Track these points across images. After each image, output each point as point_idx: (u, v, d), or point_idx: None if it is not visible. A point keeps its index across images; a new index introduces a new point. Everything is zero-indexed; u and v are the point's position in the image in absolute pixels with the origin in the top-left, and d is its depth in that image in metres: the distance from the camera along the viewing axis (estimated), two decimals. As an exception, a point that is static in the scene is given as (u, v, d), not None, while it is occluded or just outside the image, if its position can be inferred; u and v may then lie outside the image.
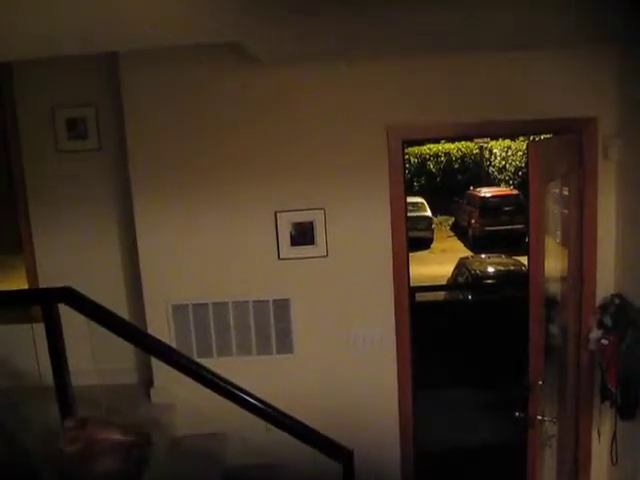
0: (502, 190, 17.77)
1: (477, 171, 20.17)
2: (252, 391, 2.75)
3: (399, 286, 3.53)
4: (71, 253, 3.70)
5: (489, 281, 9.85)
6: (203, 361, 2.91)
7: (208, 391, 2.72)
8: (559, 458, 3.31)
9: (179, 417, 3.54)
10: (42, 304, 2.63)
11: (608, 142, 3.29)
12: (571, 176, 3.30)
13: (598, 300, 3.43)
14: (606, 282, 3.42)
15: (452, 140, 18.84)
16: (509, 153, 19.45)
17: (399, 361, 3.61)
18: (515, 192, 17.15)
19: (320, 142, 3.42)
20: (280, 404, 2.78)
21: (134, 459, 1.75)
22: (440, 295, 8.63)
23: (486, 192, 17.20)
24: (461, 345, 5.32)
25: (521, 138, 16.73)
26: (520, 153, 18.51)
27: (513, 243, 13.91)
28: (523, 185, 16.06)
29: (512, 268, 10.08)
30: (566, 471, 3.50)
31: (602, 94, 3.28)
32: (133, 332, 2.87)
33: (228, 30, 2.36)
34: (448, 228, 18.52)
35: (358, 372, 3.58)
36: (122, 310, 3.45)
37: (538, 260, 2.70)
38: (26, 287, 3.84)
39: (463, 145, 20.20)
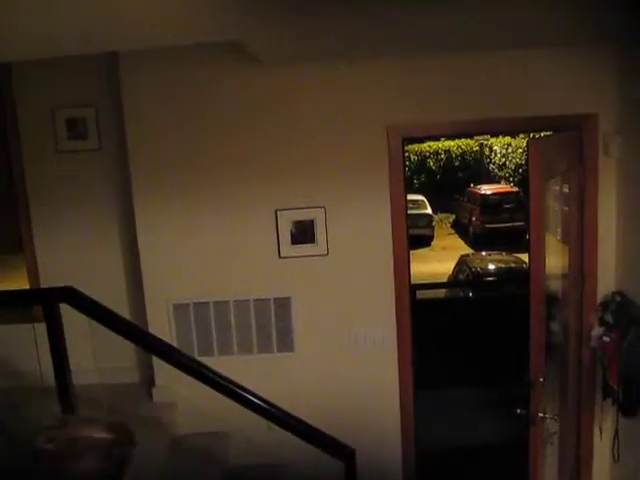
0: (502, 187, 17.74)
1: (477, 168, 20.13)
2: (253, 390, 2.75)
3: (400, 284, 3.53)
4: (72, 253, 3.71)
5: (490, 278, 9.84)
6: (204, 360, 2.92)
7: (209, 390, 2.73)
8: (561, 455, 3.32)
9: (180, 416, 3.54)
10: (43, 304, 2.65)
11: (608, 139, 3.29)
12: (571, 173, 3.30)
13: (599, 297, 3.43)
14: (607, 279, 3.42)
15: (452, 138, 18.82)
16: (509, 150, 19.44)
17: (400, 360, 3.61)
18: (515, 189, 17.15)
19: (320, 141, 3.42)
20: (281, 403, 2.79)
21: (115, 458, 1.70)
22: (441, 293, 8.64)
23: (486, 189, 17.17)
24: (462, 342, 5.31)
25: (521, 135, 16.70)
26: (520, 150, 18.50)
27: (514, 240, 13.91)
28: (523, 182, 16.06)
29: (513, 265, 10.05)
30: (568, 468, 3.51)
31: (602, 92, 3.28)
32: (134, 331, 2.89)
33: (228, 30, 2.36)
34: (448, 225, 18.50)
35: (359, 371, 3.58)
36: (123, 309, 3.46)
37: (539, 257, 2.70)
38: (27, 287, 3.84)
39: (463, 142, 20.16)
